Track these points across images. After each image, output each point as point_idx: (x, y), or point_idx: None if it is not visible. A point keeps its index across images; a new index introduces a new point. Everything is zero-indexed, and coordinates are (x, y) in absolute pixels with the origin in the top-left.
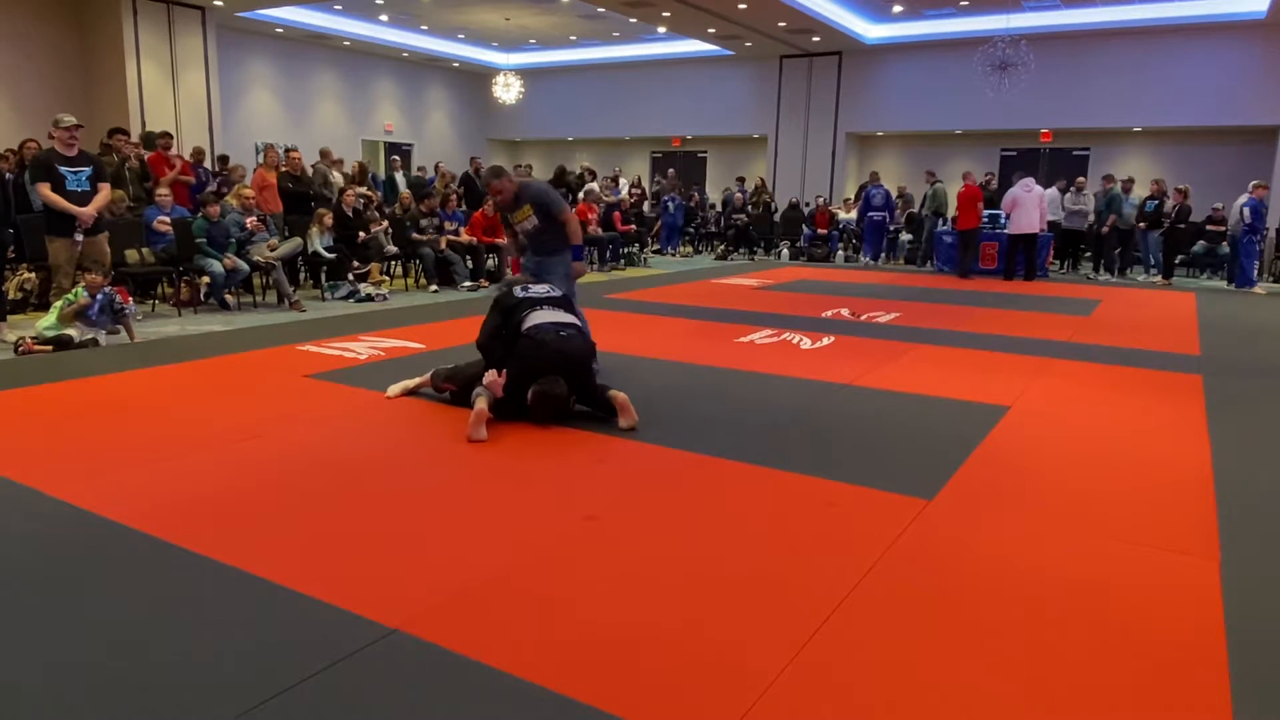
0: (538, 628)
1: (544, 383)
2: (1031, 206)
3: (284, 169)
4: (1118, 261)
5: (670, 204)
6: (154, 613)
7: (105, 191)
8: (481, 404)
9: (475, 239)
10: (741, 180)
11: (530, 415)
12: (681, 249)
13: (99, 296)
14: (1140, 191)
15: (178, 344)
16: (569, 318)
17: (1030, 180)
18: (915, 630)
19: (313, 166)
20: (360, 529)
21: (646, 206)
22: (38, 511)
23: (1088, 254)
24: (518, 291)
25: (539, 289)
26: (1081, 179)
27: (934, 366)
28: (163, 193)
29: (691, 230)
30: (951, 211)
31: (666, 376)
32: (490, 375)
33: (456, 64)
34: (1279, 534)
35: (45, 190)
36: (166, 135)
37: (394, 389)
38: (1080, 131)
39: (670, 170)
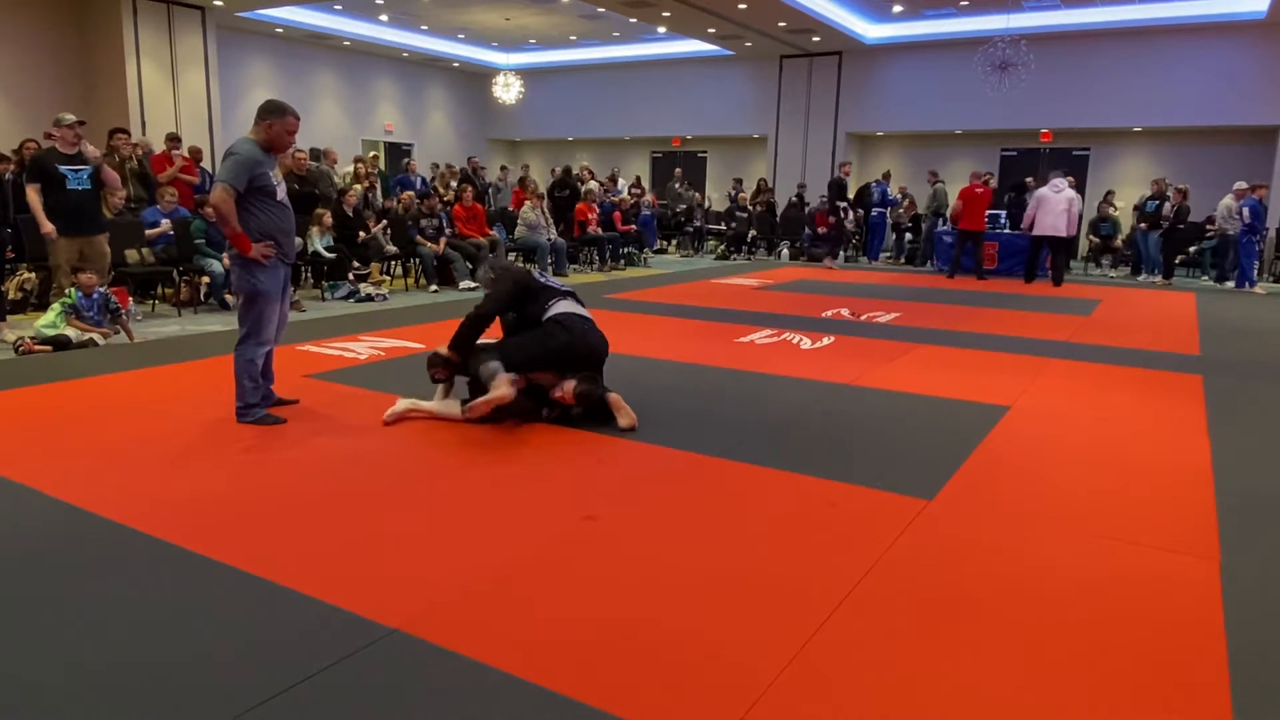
0: (538, 628)
1: (587, 380)
2: (1060, 209)
3: (291, 169)
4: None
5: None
6: (154, 613)
7: (116, 180)
8: (506, 391)
9: (466, 234)
10: (739, 182)
11: (555, 405)
12: (681, 252)
13: (94, 296)
14: (1141, 191)
15: (178, 344)
16: (587, 313)
17: (1062, 181)
18: (915, 630)
19: (315, 167)
20: (361, 529)
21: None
22: (38, 511)
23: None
24: (539, 276)
25: (555, 279)
26: (1071, 178)
27: (934, 366)
28: (169, 193)
29: (690, 230)
30: (951, 210)
31: (667, 376)
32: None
33: (456, 64)
34: (1278, 534)
35: (32, 193)
36: (175, 139)
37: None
38: (1080, 131)
39: (677, 170)
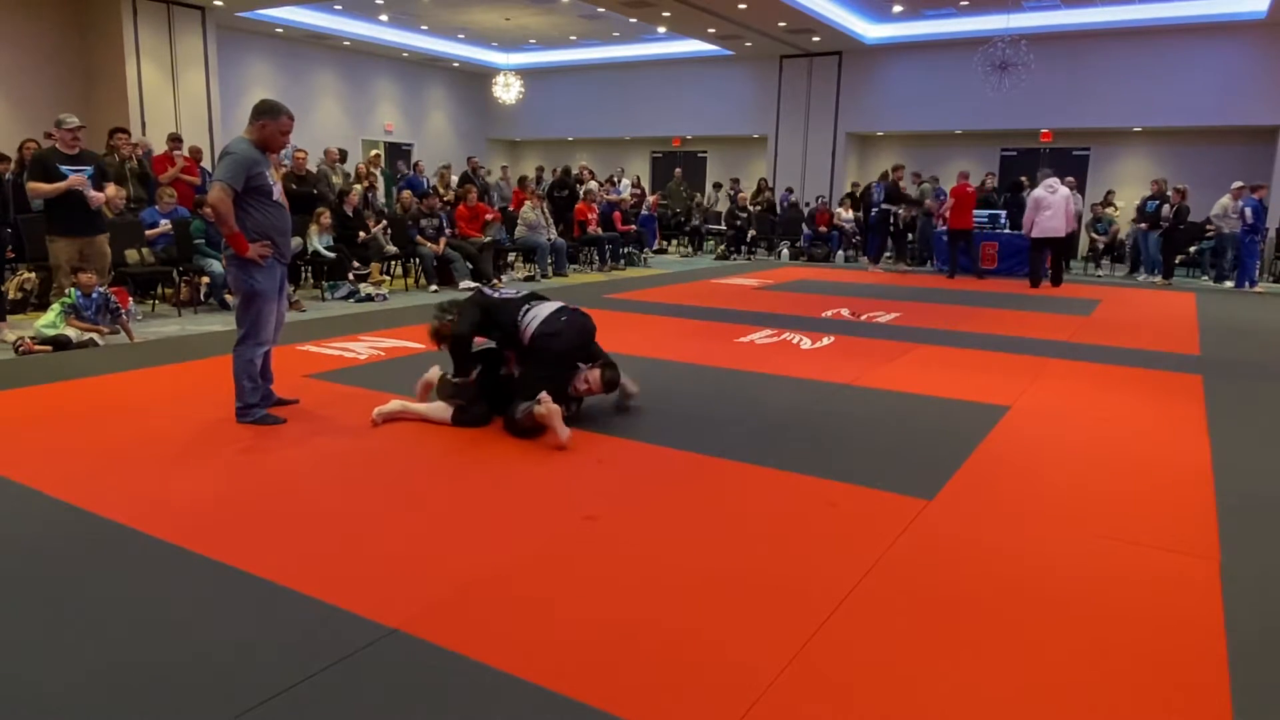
0: (538, 628)
1: (608, 366)
2: (1058, 209)
3: (288, 169)
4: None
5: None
6: (154, 613)
7: (112, 188)
8: (547, 410)
9: (467, 234)
10: (736, 182)
11: (573, 400)
12: (681, 250)
13: (94, 296)
14: (1141, 191)
15: (178, 344)
16: (555, 302)
17: (1055, 180)
18: (915, 630)
19: (317, 167)
20: (360, 529)
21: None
22: (38, 511)
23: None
24: (491, 292)
25: (508, 289)
26: (1071, 179)
27: (934, 366)
28: (168, 194)
29: (688, 231)
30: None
31: (666, 376)
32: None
33: (456, 64)
34: (1278, 534)
35: (34, 185)
36: (177, 140)
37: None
38: (1080, 131)
39: (678, 170)
